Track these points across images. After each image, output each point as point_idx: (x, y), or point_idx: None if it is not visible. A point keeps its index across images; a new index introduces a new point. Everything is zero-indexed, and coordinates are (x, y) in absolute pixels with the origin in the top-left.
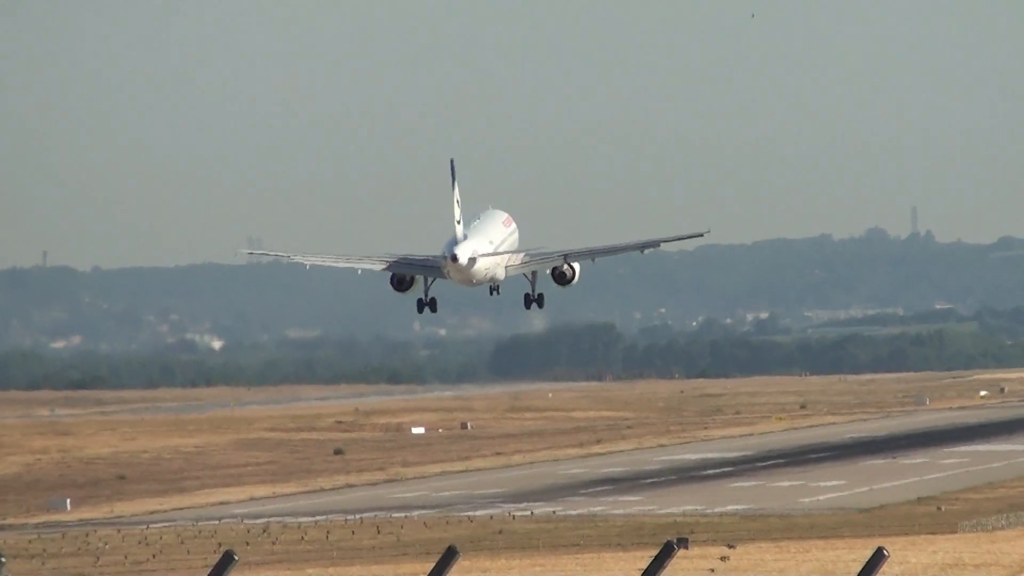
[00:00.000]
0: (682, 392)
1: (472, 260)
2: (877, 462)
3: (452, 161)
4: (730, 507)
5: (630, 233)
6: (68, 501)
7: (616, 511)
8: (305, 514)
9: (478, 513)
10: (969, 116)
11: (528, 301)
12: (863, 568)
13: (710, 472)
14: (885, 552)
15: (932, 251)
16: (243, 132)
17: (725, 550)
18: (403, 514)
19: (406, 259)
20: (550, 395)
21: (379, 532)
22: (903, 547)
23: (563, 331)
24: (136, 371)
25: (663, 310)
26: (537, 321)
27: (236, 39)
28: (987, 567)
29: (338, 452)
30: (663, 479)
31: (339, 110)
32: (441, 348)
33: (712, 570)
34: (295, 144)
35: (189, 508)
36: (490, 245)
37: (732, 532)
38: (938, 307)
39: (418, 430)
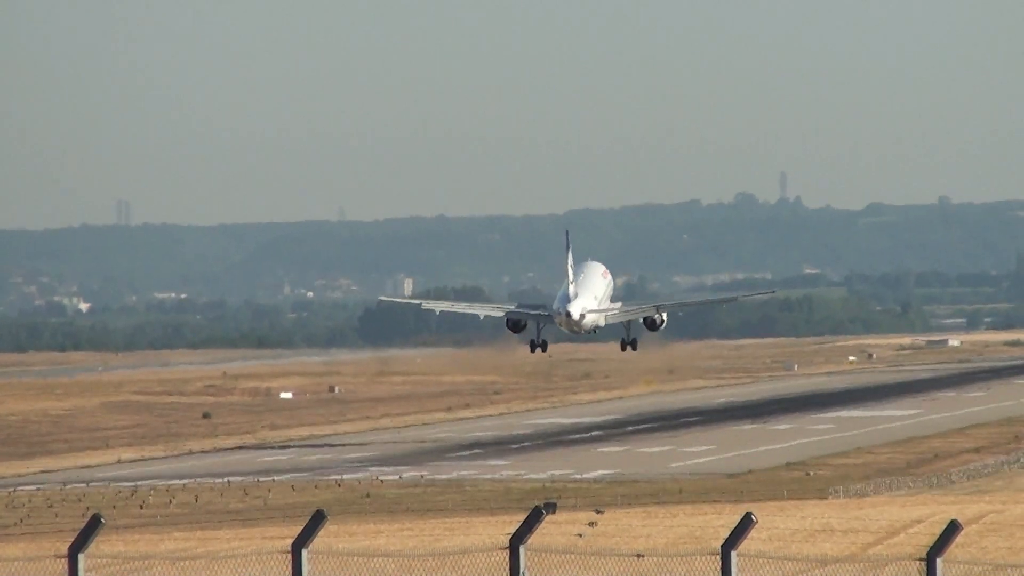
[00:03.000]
0: (551, 356)
1: (582, 316)
2: (746, 427)
3: (567, 232)
4: (598, 472)
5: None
6: None
7: (484, 475)
8: (173, 477)
9: (346, 477)
10: (838, 82)
11: (624, 345)
12: (731, 533)
13: (578, 437)
14: (753, 518)
15: (801, 217)
16: (114, 96)
17: (593, 515)
18: (271, 478)
19: (523, 308)
20: (418, 360)
21: (247, 495)
22: (771, 512)
23: (432, 296)
24: (3, 334)
25: (532, 274)
26: (406, 285)
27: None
28: (855, 532)
29: (206, 416)
30: (531, 444)
31: (206, 71)
32: (310, 312)
33: (580, 535)
34: (167, 109)
35: (57, 471)
36: (595, 300)
37: (600, 497)
38: (807, 272)
39: (286, 394)
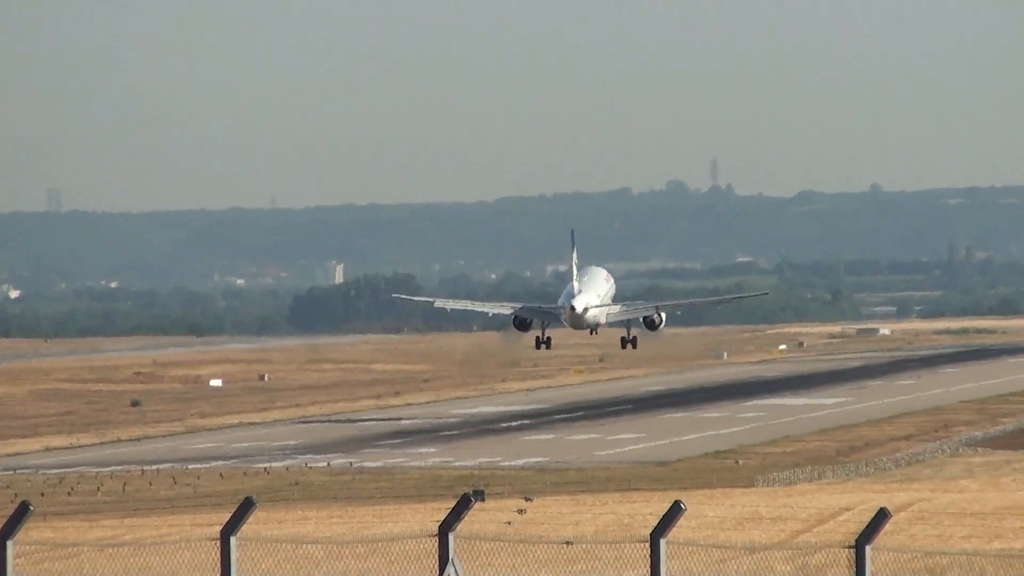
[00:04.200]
0: (480, 345)
1: (586, 309)
2: (675, 415)
3: (572, 232)
4: (527, 460)
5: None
6: None
7: (413, 463)
8: (102, 465)
9: (275, 464)
10: (768, 69)
11: (624, 343)
12: (660, 521)
13: (507, 425)
14: (682, 505)
15: (732, 204)
16: (44, 83)
17: (522, 503)
18: (200, 465)
19: (530, 307)
20: (348, 347)
21: (176, 483)
22: (700, 500)
23: (362, 283)
24: None
25: (462, 262)
26: (337, 273)
27: None
28: (783, 520)
29: (135, 403)
30: (460, 431)
31: (136, 58)
32: (240, 300)
33: (509, 523)
34: (98, 96)
35: None
36: (598, 298)
37: (529, 485)
38: (738, 260)
39: (216, 382)
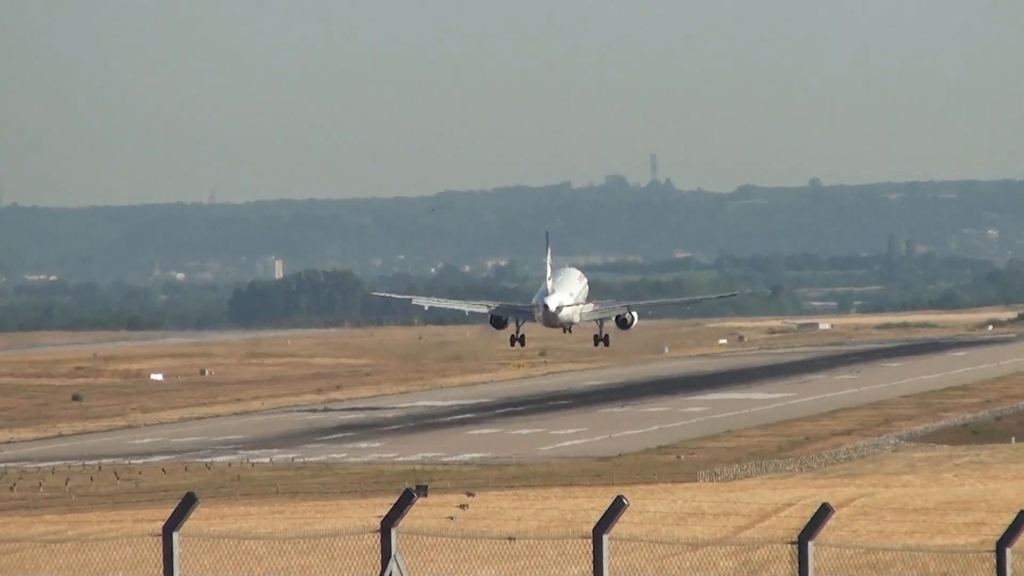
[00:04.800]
0: (420, 339)
1: (559, 308)
2: (616, 410)
3: (547, 234)
4: (469, 455)
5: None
6: None
7: (355, 458)
8: (43, 460)
9: (217, 460)
10: (708, 63)
11: (596, 340)
12: (603, 516)
13: (449, 419)
14: (625, 500)
15: (672, 199)
16: None
17: (464, 498)
18: (142, 460)
19: (506, 306)
20: (288, 342)
21: (118, 478)
22: (642, 496)
23: (302, 278)
24: None
25: (402, 257)
26: (277, 267)
27: None
28: (726, 516)
29: (76, 398)
30: (402, 426)
31: (75, 52)
32: (180, 294)
33: (451, 517)
34: (36, 89)
35: None
36: (571, 297)
37: (471, 480)
38: (678, 255)
39: (156, 376)
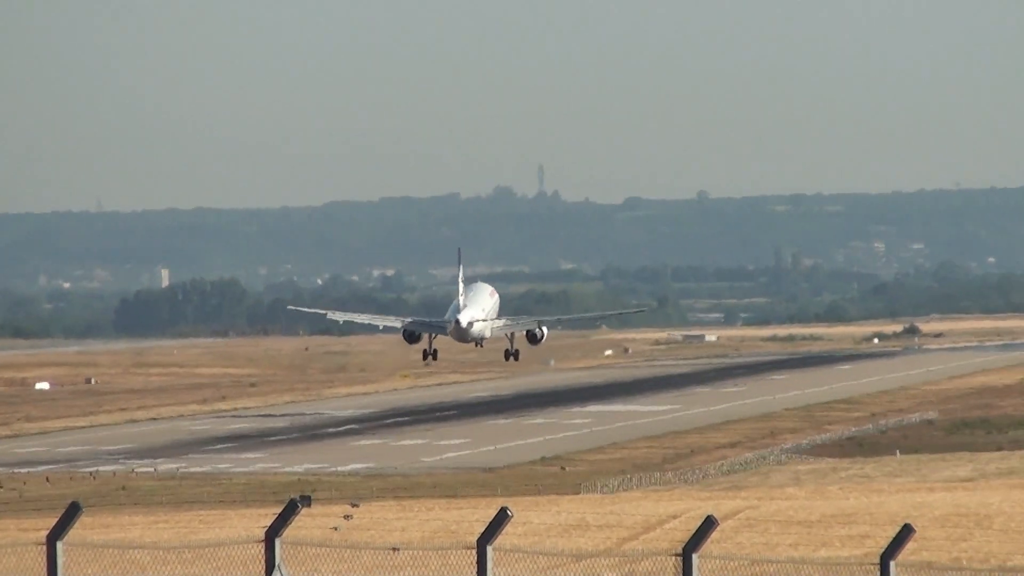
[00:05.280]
0: (307, 349)
1: (471, 324)
2: (502, 421)
3: (459, 250)
4: (354, 465)
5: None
6: None
7: (240, 468)
8: None
9: (101, 469)
10: (596, 76)
11: (507, 355)
12: (487, 528)
13: (334, 430)
14: (509, 512)
15: (559, 211)
16: None
17: (349, 508)
18: (26, 469)
19: (419, 321)
20: (175, 351)
21: (1, 487)
22: (527, 507)
23: (188, 287)
24: None
25: (289, 266)
26: (163, 276)
27: None
28: (610, 528)
29: None
30: (287, 437)
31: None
32: (66, 302)
33: (336, 528)
34: None
35: None
36: (482, 312)
37: (356, 490)
38: (565, 267)
39: (42, 385)
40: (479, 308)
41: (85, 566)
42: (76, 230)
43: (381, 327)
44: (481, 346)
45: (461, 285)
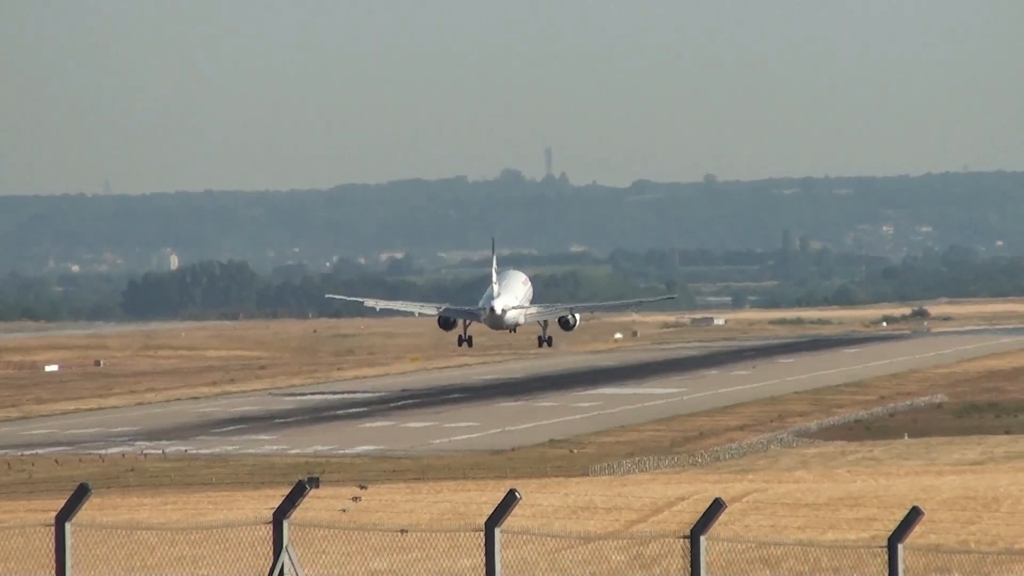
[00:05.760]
0: (315, 332)
1: (504, 311)
2: (510, 404)
3: (493, 240)
4: (362, 447)
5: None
6: None
7: (248, 450)
8: None
9: (110, 451)
10: (603, 58)
11: (540, 341)
12: (495, 510)
13: (343, 412)
14: (517, 494)
15: (567, 194)
16: None
17: (357, 490)
18: (35, 451)
19: (454, 308)
20: (183, 334)
21: (10, 469)
22: (535, 489)
23: (197, 270)
24: None
25: (297, 249)
26: (172, 259)
27: None
28: (618, 510)
29: None
30: (295, 419)
31: None
32: (75, 285)
33: (344, 510)
34: None
35: None
36: (515, 300)
37: (364, 472)
38: (573, 250)
39: (51, 367)
40: (512, 296)
41: (93, 547)
42: (85, 213)
43: (417, 314)
44: (514, 332)
45: (495, 273)
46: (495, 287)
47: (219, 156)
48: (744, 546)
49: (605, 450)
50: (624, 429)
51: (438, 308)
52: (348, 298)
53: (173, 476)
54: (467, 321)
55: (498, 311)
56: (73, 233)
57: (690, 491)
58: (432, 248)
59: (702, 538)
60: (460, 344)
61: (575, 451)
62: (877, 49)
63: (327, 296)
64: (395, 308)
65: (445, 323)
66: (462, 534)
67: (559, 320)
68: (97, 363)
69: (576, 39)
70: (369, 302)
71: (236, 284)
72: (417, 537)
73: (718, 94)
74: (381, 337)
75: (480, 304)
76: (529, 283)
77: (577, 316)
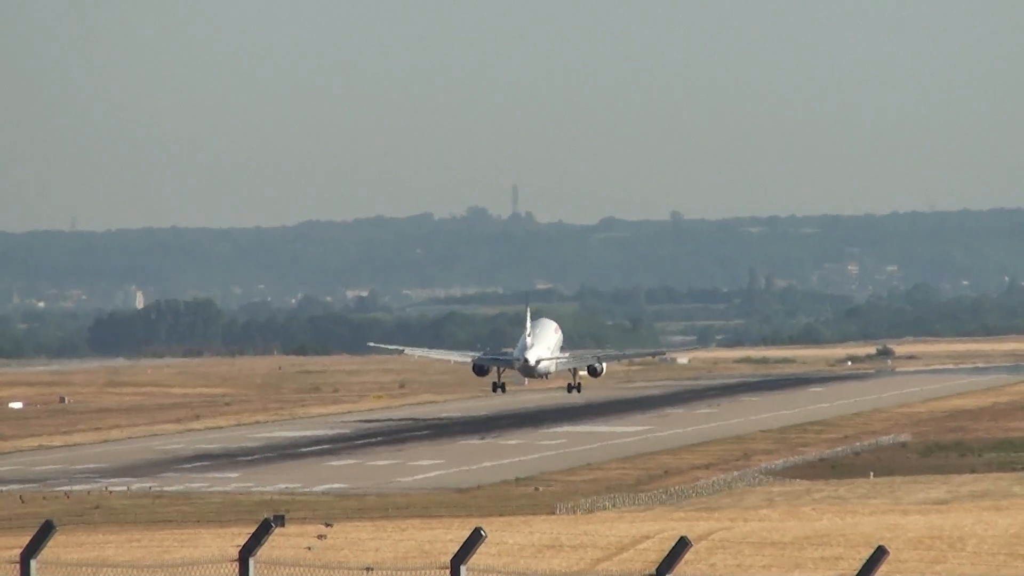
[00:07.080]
0: (280, 369)
1: (538, 362)
2: (475, 442)
3: (527, 297)
4: (327, 485)
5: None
6: None
7: (214, 488)
8: None
9: (75, 488)
10: (570, 95)
11: (570, 388)
12: (461, 547)
13: (308, 450)
14: (483, 532)
15: (533, 231)
16: None
17: (322, 528)
18: None
19: (488, 357)
20: (148, 371)
21: None
22: (501, 527)
23: (163, 307)
24: None
25: (262, 286)
26: (137, 296)
27: None
28: (584, 548)
29: None
30: (260, 456)
31: None
32: (40, 321)
33: (309, 548)
34: None
35: None
36: (548, 351)
37: (329, 510)
38: (539, 287)
39: (16, 404)
40: (545, 347)
41: None
42: (50, 249)
43: (452, 362)
44: (547, 378)
45: (529, 322)
46: (528, 338)
47: (185, 193)
48: None
49: (571, 488)
50: (590, 467)
51: (474, 356)
52: (390, 347)
53: (138, 513)
54: (501, 368)
55: (532, 362)
56: (38, 269)
57: (656, 529)
58: (398, 285)
59: None
60: (494, 390)
61: (540, 489)
62: (843, 89)
63: (369, 344)
64: (433, 356)
65: (479, 370)
66: (428, 572)
67: (588, 368)
68: (62, 399)
69: (542, 76)
70: (410, 350)
71: (202, 321)
72: (382, 575)
73: (684, 133)
74: (345, 374)
75: (515, 354)
76: (560, 332)
77: (604, 364)
